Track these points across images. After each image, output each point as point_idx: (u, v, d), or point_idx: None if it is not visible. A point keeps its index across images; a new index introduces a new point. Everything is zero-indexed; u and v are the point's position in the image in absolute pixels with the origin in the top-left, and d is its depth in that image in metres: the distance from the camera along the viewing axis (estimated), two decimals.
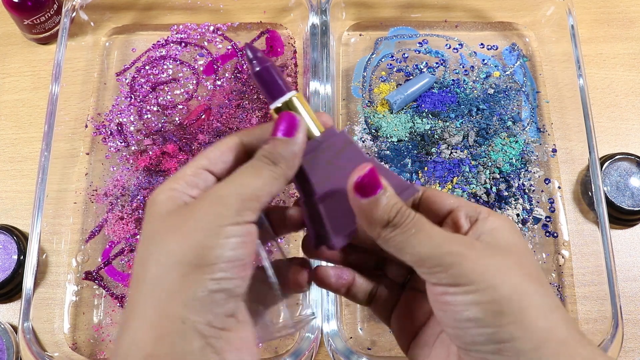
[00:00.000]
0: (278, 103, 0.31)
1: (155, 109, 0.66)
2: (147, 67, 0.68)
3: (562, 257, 0.60)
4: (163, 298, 0.27)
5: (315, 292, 0.53)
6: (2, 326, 0.55)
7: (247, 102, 0.65)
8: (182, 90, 0.66)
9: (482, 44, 0.70)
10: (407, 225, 0.29)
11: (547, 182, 0.63)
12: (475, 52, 0.69)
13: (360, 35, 0.70)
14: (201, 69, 0.68)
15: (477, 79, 0.67)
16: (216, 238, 0.27)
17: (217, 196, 0.28)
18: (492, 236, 0.30)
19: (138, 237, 0.59)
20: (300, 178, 0.31)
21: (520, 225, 0.60)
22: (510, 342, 0.27)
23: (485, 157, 0.62)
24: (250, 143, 0.32)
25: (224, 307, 0.27)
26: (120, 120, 0.65)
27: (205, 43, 0.69)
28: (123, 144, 0.63)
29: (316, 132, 0.32)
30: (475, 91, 0.66)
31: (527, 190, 0.61)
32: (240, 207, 0.28)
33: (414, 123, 0.64)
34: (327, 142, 0.32)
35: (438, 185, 0.61)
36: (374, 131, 0.64)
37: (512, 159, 0.62)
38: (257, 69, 0.31)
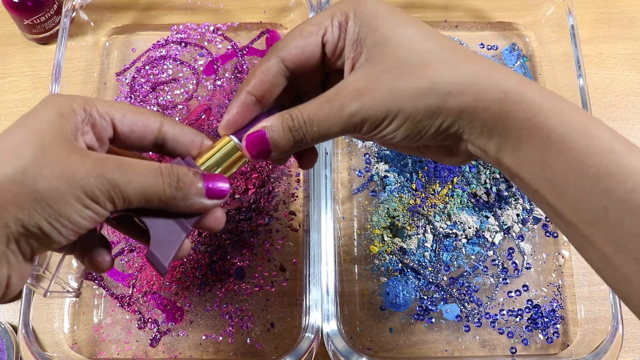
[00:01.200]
0: (236, 139, 0.35)
1: (155, 109, 0.66)
2: (147, 67, 0.68)
3: (562, 257, 0.60)
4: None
5: (315, 293, 0.53)
6: (2, 326, 0.55)
7: None
8: (182, 90, 0.66)
9: (482, 44, 0.70)
10: (308, 132, 0.33)
11: None
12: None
13: None
14: (201, 69, 0.68)
15: None
16: (77, 200, 0.29)
17: (110, 164, 0.30)
18: (369, 49, 0.32)
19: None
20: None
21: (520, 225, 0.60)
22: (455, 129, 0.32)
23: None
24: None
25: (30, 245, 0.29)
26: None
27: (205, 43, 0.69)
28: None
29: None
30: None
31: None
32: (115, 194, 0.30)
33: None
34: None
35: (438, 185, 0.61)
36: None
37: None
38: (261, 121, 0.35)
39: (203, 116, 0.64)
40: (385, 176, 0.62)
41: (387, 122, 0.31)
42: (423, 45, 0.31)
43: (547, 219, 0.61)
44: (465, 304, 0.57)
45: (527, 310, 0.58)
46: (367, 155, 0.63)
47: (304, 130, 0.33)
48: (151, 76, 0.67)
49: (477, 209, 0.60)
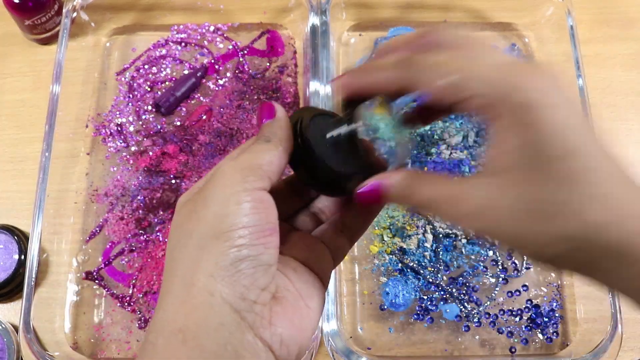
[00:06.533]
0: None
1: (155, 109, 0.66)
2: (146, 67, 0.68)
3: None
4: (188, 273, 0.27)
5: None
6: (3, 326, 0.55)
7: (247, 103, 0.65)
8: None
9: None
10: (417, 199, 0.29)
11: None
12: None
13: (360, 35, 0.70)
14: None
15: None
16: (227, 206, 0.27)
17: (220, 172, 0.29)
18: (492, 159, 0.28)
19: (138, 237, 0.59)
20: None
21: None
22: None
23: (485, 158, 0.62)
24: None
25: (253, 278, 0.27)
26: (120, 120, 0.65)
27: (206, 43, 0.69)
28: (123, 144, 0.64)
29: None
30: None
31: None
32: (242, 175, 0.28)
33: None
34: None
35: None
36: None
37: None
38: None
39: (204, 117, 0.64)
40: None
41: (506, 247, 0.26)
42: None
43: None
44: (465, 303, 0.57)
45: (526, 310, 0.58)
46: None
47: (408, 194, 0.29)
48: (150, 75, 0.67)
49: None
